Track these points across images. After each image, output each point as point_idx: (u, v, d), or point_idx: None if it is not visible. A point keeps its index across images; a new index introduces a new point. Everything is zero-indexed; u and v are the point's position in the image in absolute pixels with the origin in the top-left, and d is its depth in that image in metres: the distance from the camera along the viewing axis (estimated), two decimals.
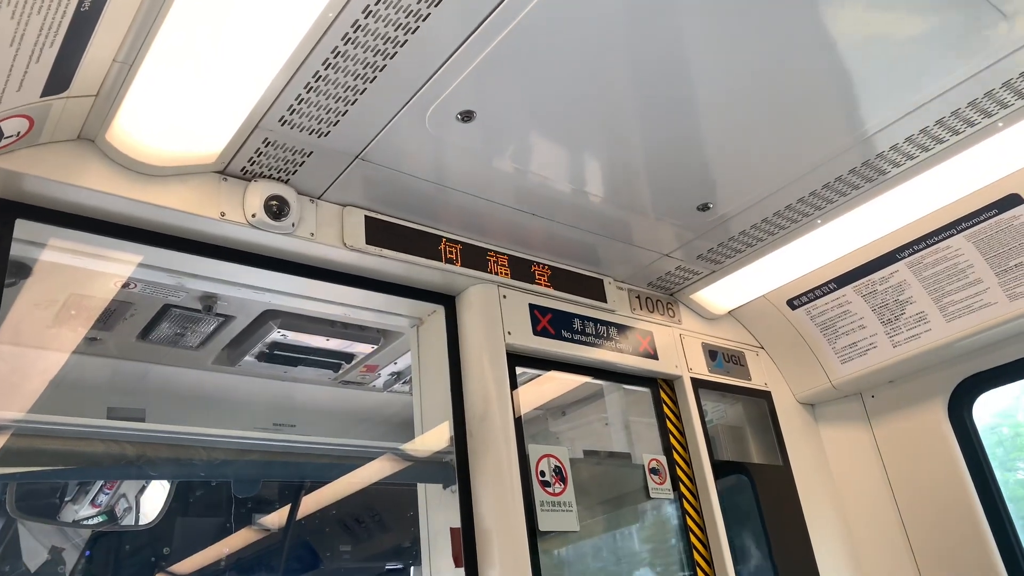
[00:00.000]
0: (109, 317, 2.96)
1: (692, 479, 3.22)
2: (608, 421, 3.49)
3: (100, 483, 3.32)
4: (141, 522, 3.44)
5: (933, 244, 3.09)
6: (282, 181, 2.45)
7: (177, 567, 3.82)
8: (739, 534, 3.20)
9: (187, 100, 2.02)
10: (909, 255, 3.17)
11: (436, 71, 2.04)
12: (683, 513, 3.14)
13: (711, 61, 2.15)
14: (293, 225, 2.43)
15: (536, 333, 2.95)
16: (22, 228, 2.12)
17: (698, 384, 3.41)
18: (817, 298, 3.49)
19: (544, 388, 3.31)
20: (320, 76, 2.01)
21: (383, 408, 4.12)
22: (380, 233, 2.64)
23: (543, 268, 3.11)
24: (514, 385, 2.81)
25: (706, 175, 2.70)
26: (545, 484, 2.74)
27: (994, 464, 3.24)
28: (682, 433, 3.31)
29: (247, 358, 3.39)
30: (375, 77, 2.04)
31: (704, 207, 2.90)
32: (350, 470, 2.84)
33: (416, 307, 2.97)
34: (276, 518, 4.04)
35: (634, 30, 2.00)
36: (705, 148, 2.55)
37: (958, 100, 2.45)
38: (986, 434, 3.29)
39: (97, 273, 2.60)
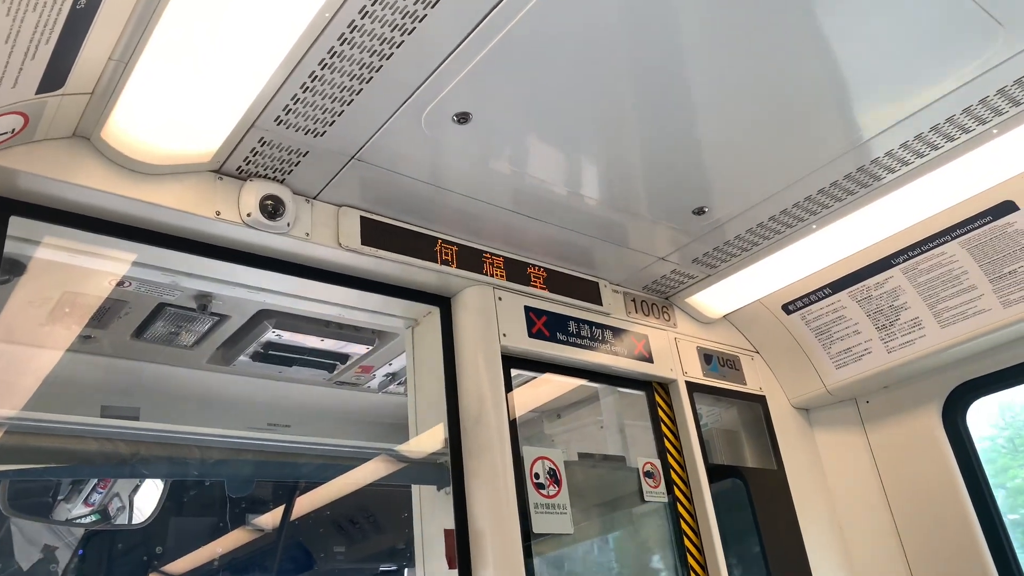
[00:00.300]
0: (103, 315, 2.95)
1: (687, 483, 3.22)
2: (603, 424, 3.49)
3: (93, 482, 3.31)
4: (134, 521, 3.43)
5: (928, 250, 3.10)
6: (278, 181, 2.45)
7: (170, 567, 3.81)
8: (733, 538, 3.19)
9: (183, 99, 2.02)
10: (904, 261, 3.17)
11: (432, 73, 2.05)
12: (677, 517, 3.13)
13: (708, 66, 2.16)
14: (288, 225, 2.43)
15: (531, 335, 2.96)
16: (16, 225, 2.11)
17: (693, 388, 3.41)
18: (812, 303, 3.50)
19: (539, 390, 3.31)
20: (316, 76, 2.01)
21: (378, 409, 4.11)
22: (376, 234, 2.64)
23: (539, 270, 3.11)
24: (509, 387, 2.81)
25: (702, 179, 2.71)
26: (539, 486, 2.74)
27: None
28: (677, 437, 3.31)
29: (242, 358, 3.38)
30: (371, 78, 2.04)
31: (700, 211, 2.90)
32: (344, 471, 2.84)
33: (411, 308, 2.97)
34: (270, 518, 4.03)
35: (630, 33, 2.00)
36: (701, 152, 2.55)
37: (953, 107, 2.46)
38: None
39: (92, 271, 2.60)
